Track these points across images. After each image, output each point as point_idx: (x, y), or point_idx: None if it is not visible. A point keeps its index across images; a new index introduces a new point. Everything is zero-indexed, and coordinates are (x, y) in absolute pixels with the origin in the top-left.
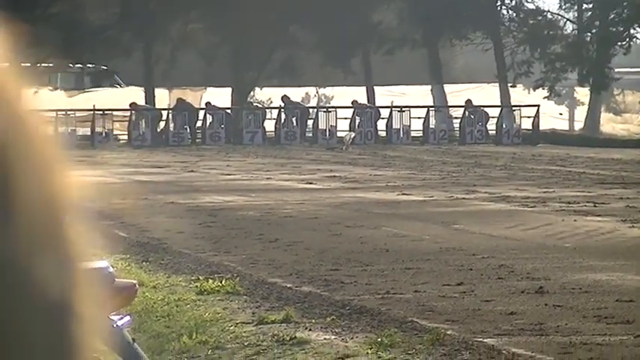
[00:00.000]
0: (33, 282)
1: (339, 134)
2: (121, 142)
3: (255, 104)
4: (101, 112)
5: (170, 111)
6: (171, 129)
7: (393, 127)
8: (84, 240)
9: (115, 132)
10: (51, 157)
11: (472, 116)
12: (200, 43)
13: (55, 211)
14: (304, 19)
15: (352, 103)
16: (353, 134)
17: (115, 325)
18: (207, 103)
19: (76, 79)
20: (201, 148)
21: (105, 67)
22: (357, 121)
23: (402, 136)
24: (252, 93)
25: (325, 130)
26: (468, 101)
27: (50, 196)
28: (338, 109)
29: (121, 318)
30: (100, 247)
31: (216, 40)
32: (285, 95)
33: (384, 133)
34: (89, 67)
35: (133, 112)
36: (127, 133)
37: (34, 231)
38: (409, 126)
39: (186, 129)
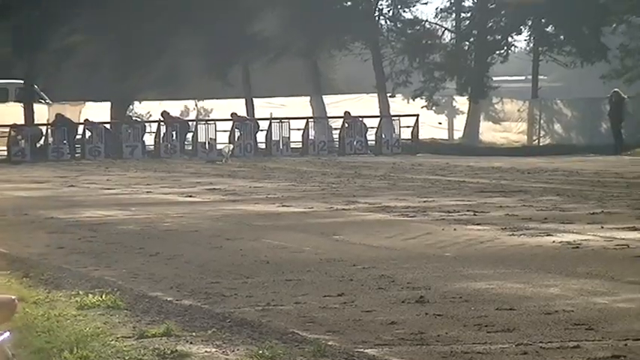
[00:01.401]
0: None
1: (218, 147)
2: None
3: (134, 118)
4: None
5: (49, 126)
6: (51, 144)
7: (273, 138)
8: None
9: None
10: None
11: (351, 127)
12: (80, 54)
13: None
14: (183, 29)
15: (231, 115)
16: (232, 146)
17: None
18: (86, 120)
19: None
20: (81, 163)
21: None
22: (237, 134)
23: (281, 147)
24: (131, 107)
25: (205, 143)
26: (347, 113)
27: None
28: (217, 122)
29: (1, 334)
30: None
31: (96, 50)
32: (164, 111)
33: (263, 145)
34: None
35: (12, 129)
36: (6, 149)
37: None
38: (289, 137)
39: (65, 144)
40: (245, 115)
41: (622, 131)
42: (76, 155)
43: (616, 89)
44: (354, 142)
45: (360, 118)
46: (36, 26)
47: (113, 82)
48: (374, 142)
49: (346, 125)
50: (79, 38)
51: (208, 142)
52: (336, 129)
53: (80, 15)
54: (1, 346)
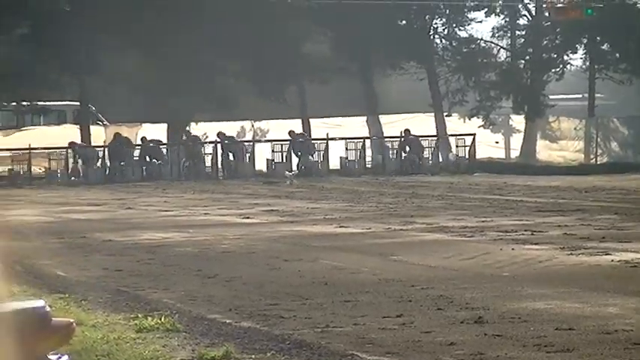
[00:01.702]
0: None
1: (276, 168)
2: (58, 179)
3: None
4: (37, 150)
5: (106, 147)
6: (108, 165)
7: (330, 159)
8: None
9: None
10: None
11: (408, 146)
12: (134, 77)
13: None
14: (237, 51)
15: (289, 133)
16: (296, 170)
17: None
18: (143, 138)
19: (16, 118)
20: (138, 185)
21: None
22: (294, 154)
23: (339, 167)
24: (187, 128)
25: (262, 163)
26: (407, 131)
27: None
28: (274, 143)
29: (59, 357)
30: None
31: (149, 73)
32: (220, 132)
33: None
34: (24, 105)
35: (70, 150)
36: (63, 170)
37: None
38: (346, 157)
39: (122, 165)
40: (302, 131)
41: None
42: (133, 177)
43: None
44: (411, 162)
45: (417, 137)
46: (85, 48)
47: (168, 103)
48: (430, 162)
49: (405, 145)
50: (130, 60)
51: (265, 164)
52: (392, 149)
53: (130, 37)
54: None
